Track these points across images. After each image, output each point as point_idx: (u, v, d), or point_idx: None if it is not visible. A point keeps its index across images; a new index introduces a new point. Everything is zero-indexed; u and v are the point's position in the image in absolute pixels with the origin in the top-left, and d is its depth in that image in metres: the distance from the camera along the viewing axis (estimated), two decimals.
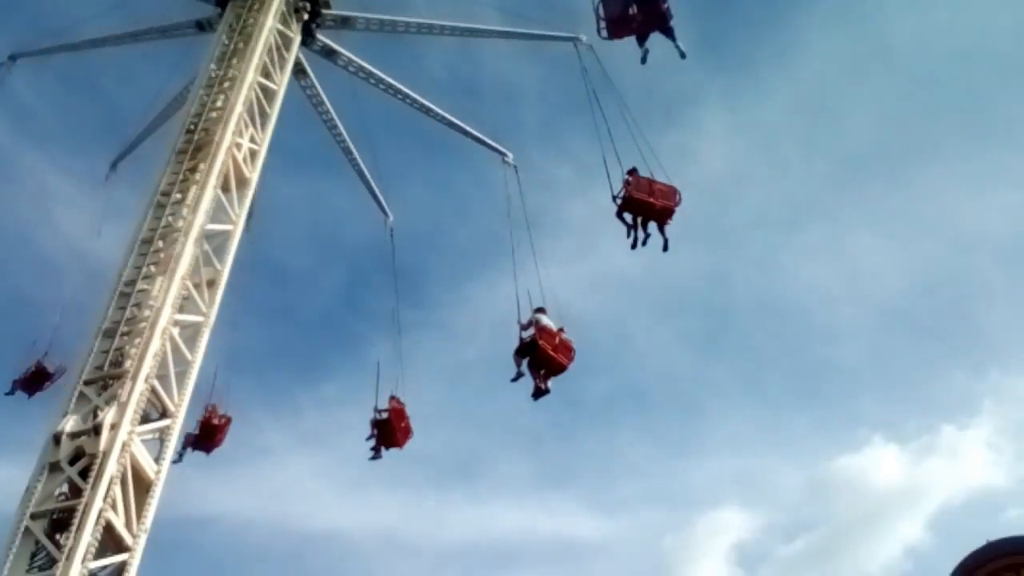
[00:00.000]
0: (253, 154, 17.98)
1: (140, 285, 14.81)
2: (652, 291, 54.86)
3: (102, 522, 12.14)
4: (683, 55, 18.06)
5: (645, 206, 18.34)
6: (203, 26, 20.33)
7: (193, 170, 16.42)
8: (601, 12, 17.99)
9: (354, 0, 21.46)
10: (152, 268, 15.11)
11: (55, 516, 12.34)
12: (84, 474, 12.58)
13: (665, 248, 18.56)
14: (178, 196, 16.11)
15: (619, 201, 18.35)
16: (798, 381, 58.88)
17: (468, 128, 24.00)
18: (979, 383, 57.57)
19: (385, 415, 21.77)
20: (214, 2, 20.02)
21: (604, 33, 18.08)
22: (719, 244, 52.97)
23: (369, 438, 21.92)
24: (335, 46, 21.57)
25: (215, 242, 16.38)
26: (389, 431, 21.73)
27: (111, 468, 12.60)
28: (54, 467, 12.83)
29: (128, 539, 12.61)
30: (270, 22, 18.71)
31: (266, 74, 18.47)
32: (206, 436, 22.17)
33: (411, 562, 53.45)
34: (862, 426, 59.87)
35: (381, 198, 25.44)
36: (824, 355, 57.41)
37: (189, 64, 20.41)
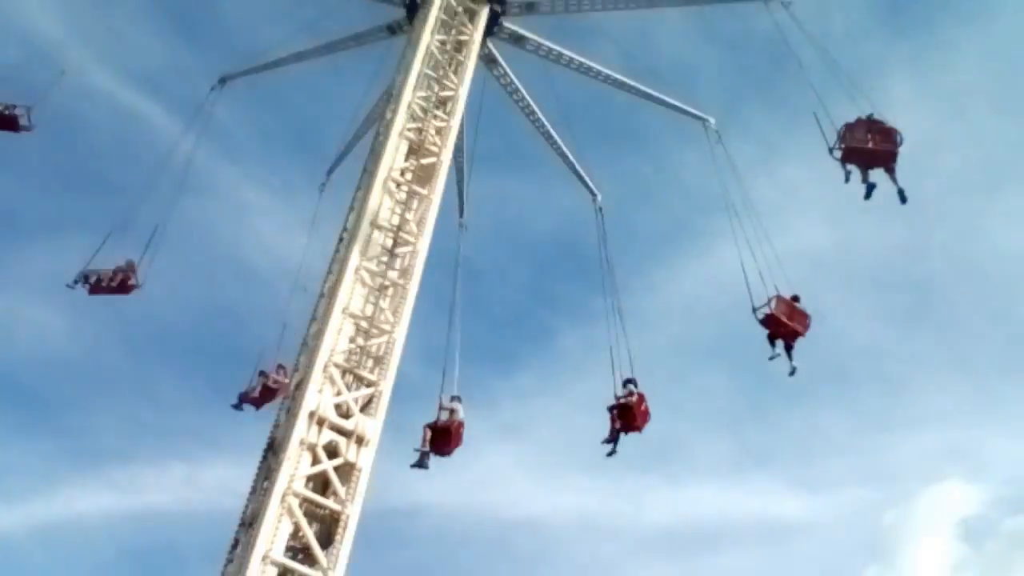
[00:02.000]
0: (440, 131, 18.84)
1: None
2: (846, 266, 52.59)
3: None
4: (903, 199, 18.42)
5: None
6: (394, 29, 21.47)
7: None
8: (842, 136, 18.48)
9: None
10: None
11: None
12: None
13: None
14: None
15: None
16: (1009, 349, 54.29)
17: (665, 97, 23.54)
18: None
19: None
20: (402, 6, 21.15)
21: (836, 155, 18.52)
22: (915, 214, 48.97)
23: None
24: (524, 32, 22.01)
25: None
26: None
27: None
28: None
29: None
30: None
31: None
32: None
33: (611, 545, 53.90)
34: None
35: (587, 178, 25.44)
36: None
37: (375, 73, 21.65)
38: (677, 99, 23.79)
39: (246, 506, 14.23)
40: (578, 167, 25.11)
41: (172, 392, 49.17)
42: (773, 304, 19.03)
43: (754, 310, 19.08)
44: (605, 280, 24.08)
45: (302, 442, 13.69)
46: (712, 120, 23.73)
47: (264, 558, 12.46)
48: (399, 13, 21.29)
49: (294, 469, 13.41)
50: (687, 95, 23.81)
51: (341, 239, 17.10)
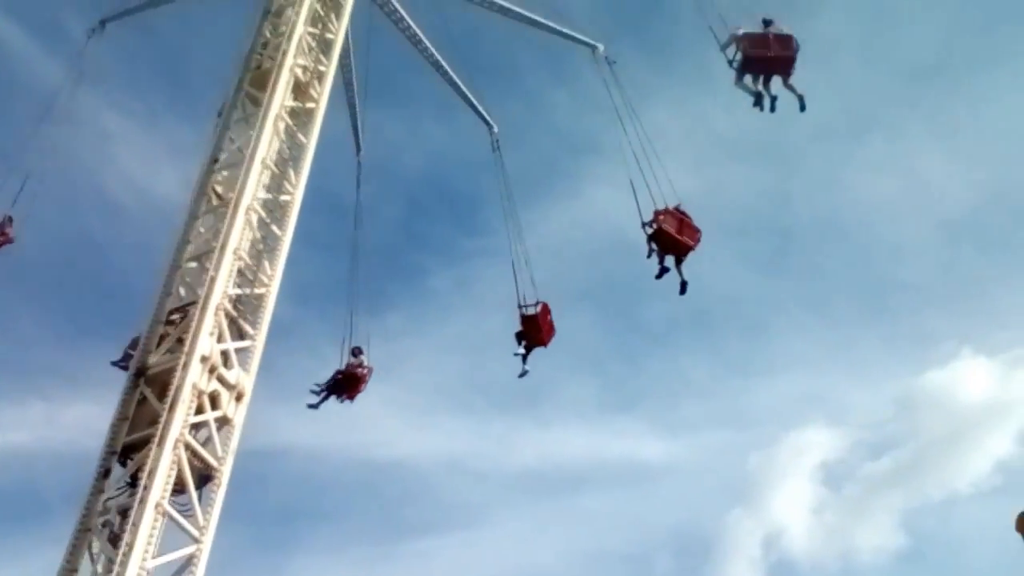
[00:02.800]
0: (320, 77, 18.41)
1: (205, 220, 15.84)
2: (712, 212, 53.83)
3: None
4: (803, 107, 18.62)
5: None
6: None
7: (255, 100, 17.18)
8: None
9: None
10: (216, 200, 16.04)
11: None
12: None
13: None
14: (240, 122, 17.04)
15: (736, 65, 18.47)
16: (865, 299, 57.60)
17: (553, 25, 23.44)
18: None
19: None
20: None
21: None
22: (778, 162, 52.63)
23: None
24: None
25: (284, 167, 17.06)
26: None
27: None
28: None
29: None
30: None
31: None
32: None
33: (479, 488, 54.01)
34: (948, 340, 57.31)
35: (481, 108, 25.30)
36: (890, 272, 56.49)
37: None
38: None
39: (113, 434, 13.76)
40: (472, 98, 24.98)
41: (31, 328, 46.40)
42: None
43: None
44: (505, 208, 24.25)
45: (194, 387, 13.51)
46: (601, 46, 23.76)
47: (157, 506, 12.35)
48: None
49: (186, 416, 13.24)
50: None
51: (211, 170, 16.62)
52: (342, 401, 22.00)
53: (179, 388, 13.30)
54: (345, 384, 22.07)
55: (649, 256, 18.83)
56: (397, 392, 51.82)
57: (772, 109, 18.85)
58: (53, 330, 49.17)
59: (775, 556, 50.88)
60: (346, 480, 53.39)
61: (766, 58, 18.40)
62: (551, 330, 21.59)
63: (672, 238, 18.63)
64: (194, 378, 13.56)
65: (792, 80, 18.69)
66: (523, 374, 21.07)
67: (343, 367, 22.10)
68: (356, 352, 21.81)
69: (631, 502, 52.59)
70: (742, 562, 50.82)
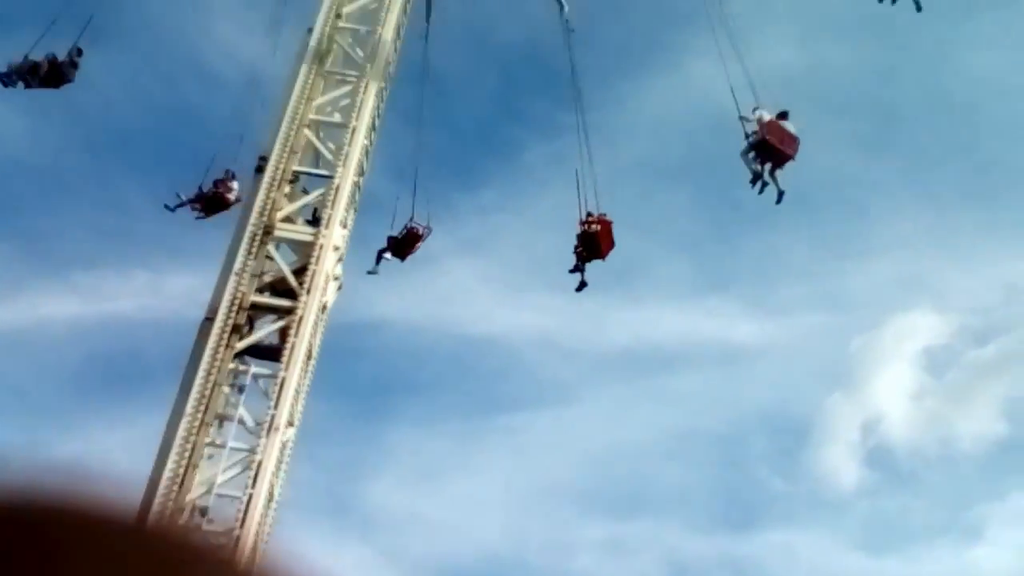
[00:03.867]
0: None
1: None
2: (816, 88, 51.60)
3: None
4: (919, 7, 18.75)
5: (776, 152, 18.45)
6: None
7: None
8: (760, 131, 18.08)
9: None
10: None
11: None
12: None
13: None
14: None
15: (751, 140, 18.45)
16: (971, 180, 54.70)
17: None
18: None
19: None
20: None
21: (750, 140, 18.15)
22: (884, 36, 48.94)
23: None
24: None
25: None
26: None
27: None
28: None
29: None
30: None
31: None
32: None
33: (571, 365, 55.57)
34: None
35: None
36: (998, 153, 53.86)
37: None
38: None
39: (238, 289, 14.33)
40: None
41: (135, 198, 45.63)
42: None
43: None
44: (574, 99, 22.58)
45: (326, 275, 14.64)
46: None
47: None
48: None
49: (321, 296, 14.43)
50: None
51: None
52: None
53: (315, 275, 14.38)
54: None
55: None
56: (491, 267, 53.86)
57: (761, 192, 18.93)
58: (156, 200, 46.49)
59: (873, 441, 49.67)
60: (440, 354, 53.51)
61: (778, 151, 18.51)
62: (611, 245, 20.30)
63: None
64: (327, 268, 14.64)
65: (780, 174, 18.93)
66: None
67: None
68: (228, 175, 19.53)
69: (725, 383, 51.99)
70: (839, 446, 49.77)
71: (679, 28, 48.61)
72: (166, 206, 19.84)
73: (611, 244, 20.03)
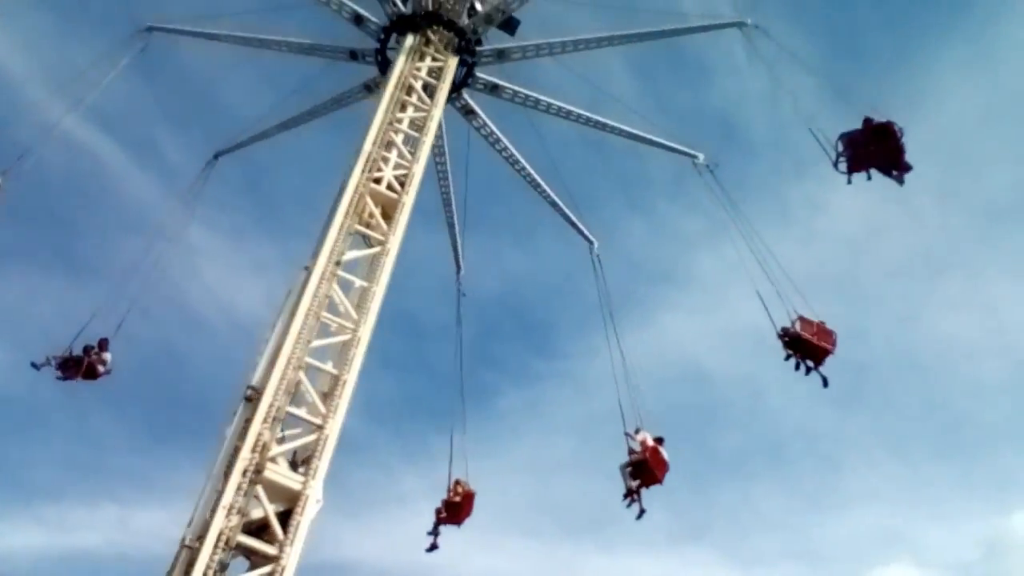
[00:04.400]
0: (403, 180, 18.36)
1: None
2: None
3: None
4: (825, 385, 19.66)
5: (810, 346, 19.44)
6: (370, 88, 21.47)
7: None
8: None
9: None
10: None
11: None
12: None
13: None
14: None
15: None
16: (942, 437, 57.45)
17: (653, 137, 23.43)
18: None
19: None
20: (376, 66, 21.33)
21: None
22: (855, 298, 52.19)
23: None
24: (498, 80, 22.06)
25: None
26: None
27: None
28: None
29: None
30: (400, 63, 19.71)
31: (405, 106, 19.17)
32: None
33: None
34: None
35: (581, 225, 25.09)
36: (968, 410, 56.30)
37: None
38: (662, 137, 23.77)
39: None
40: (571, 215, 24.82)
41: (108, 431, 47.53)
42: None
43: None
44: (607, 329, 23.62)
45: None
46: (701, 156, 23.56)
47: None
48: (374, 71, 21.45)
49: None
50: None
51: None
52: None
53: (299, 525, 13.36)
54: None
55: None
56: None
57: (629, 506, 19.65)
58: (129, 435, 49.93)
59: None
60: None
61: (812, 345, 19.37)
62: (664, 466, 20.40)
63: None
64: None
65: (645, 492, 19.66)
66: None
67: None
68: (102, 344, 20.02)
69: None
70: None
71: (651, 283, 52.93)
72: (32, 364, 19.92)
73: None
